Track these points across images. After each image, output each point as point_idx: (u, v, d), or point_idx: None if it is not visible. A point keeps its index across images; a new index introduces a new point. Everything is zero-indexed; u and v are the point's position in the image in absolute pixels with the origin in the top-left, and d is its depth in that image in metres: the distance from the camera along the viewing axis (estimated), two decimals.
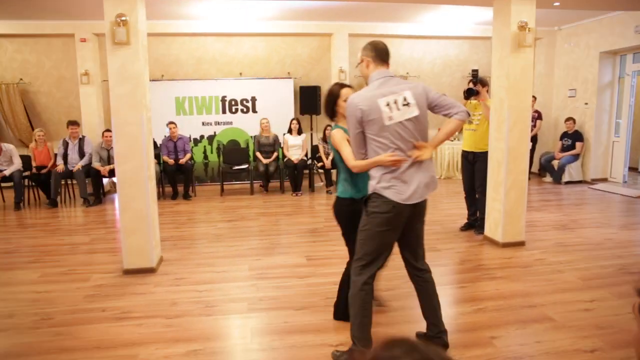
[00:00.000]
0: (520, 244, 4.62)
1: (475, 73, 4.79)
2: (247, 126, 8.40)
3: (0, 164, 6.73)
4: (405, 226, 2.48)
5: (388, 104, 2.34)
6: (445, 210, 6.21)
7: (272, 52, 8.81)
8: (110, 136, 6.59)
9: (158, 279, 3.87)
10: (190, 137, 8.03)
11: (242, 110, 8.45)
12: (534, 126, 8.04)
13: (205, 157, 8.44)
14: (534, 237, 4.87)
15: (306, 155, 7.72)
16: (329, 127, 7.65)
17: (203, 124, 8.37)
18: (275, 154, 7.61)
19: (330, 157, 7.50)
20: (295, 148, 7.57)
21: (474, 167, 5.01)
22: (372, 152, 2.40)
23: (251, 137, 8.29)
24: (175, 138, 7.35)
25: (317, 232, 5.22)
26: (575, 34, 8.37)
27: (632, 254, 4.35)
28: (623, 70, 7.93)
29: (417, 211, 2.46)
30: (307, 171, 7.75)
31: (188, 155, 7.34)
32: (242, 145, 8.30)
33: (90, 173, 6.90)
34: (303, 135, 7.70)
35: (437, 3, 6.40)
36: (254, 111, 8.44)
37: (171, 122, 7.36)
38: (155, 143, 6.80)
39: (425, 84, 2.55)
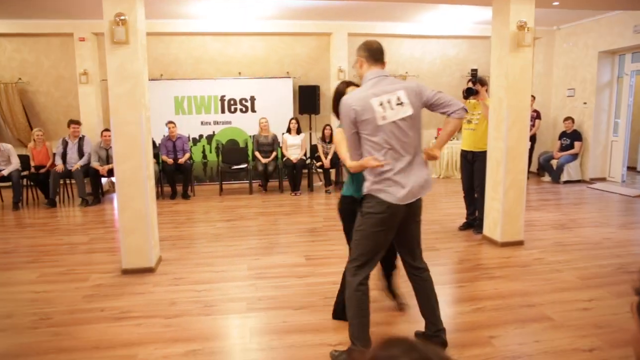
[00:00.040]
0: (519, 243, 4.62)
1: (474, 72, 4.80)
2: (246, 126, 8.40)
3: None
4: (400, 226, 2.48)
5: (381, 104, 2.34)
6: (444, 209, 6.22)
7: (271, 52, 8.81)
8: (109, 136, 6.60)
9: (157, 278, 3.86)
10: (189, 137, 8.02)
11: (241, 110, 8.45)
12: (532, 126, 8.05)
13: (204, 156, 8.44)
14: (532, 236, 4.87)
15: (305, 154, 7.72)
16: (327, 127, 7.65)
17: (202, 123, 8.36)
18: (274, 154, 7.60)
19: (329, 157, 7.50)
20: (294, 147, 7.57)
21: (473, 166, 5.01)
22: (366, 152, 2.40)
23: (250, 136, 8.29)
24: (174, 137, 7.34)
25: (316, 232, 5.22)
26: (574, 33, 8.38)
27: (631, 253, 4.35)
28: (622, 70, 7.93)
29: (411, 211, 2.45)
30: (306, 171, 7.75)
31: (187, 155, 7.34)
32: (241, 144, 8.30)
33: (89, 173, 6.89)
34: (302, 135, 7.70)
35: (436, 2, 6.40)
36: (253, 111, 8.44)
37: (170, 122, 7.35)
38: (154, 142, 6.80)
39: (420, 83, 2.54)
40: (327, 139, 7.60)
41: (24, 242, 5.04)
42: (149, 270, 3.99)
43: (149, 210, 4.02)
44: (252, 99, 8.44)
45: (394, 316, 3.13)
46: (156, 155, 7.17)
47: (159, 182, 7.15)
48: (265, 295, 3.49)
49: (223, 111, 8.39)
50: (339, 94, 2.76)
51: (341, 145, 2.59)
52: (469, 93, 4.74)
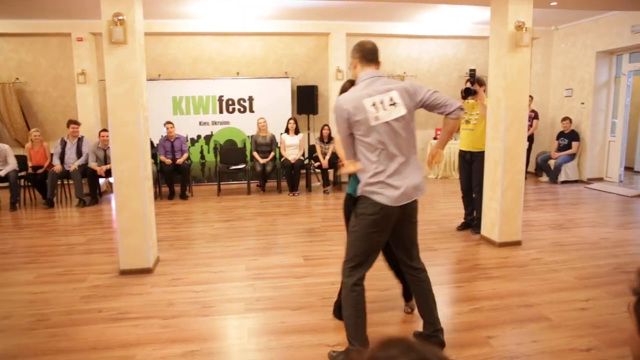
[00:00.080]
0: (517, 243, 4.63)
1: (472, 73, 4.80)
2: (244, 126, 8.39)
3: None
4: (396, 227, 2.48)
5: (374, 104, 2.34)
6: (442, 209, 6.22)
7: (269, 52, 8.81)
8: (107, 136, 6.57)
9: (155, 279, 3.86)
10: (187, 137, 8.01)
11: (239, 110, 8.44)
12: (530, 126, 8.07)
13: (202, 157, 8.42)
14: (530, 236, 4.88)
15: (303, 155, 7.72)
16: (325, 127, 7.65)
17: (200, 123, 8.35)
18: (272, 154, 7.60)
19: (327, 157, 7.50)
20: (292, 148, 7.56)
21: (471, 166, 5.02)
22: (359, 153, 2.41)
23: (248, 136, 8.28)
24: (173, 138, 7.33)
25: (314, 232, 5.22)
26: (572, 33, 8.40)
27: (628, 253, 4.36)
28: (619, 70, 7.95)
29: (406, 213, 2.45)
30: (304, 171, 7.75)
31: (185, 155, 7.33)
32: (239, 145, 8.29)
33: (87, 173, 6.88)
34: (300, 135, 7.70)
35: (435, 2, 6.40)
36: (251, 111, 8.43)
37: (168, 122, 7.35)
38: (152, 143, 6.79)
39: (415, 83, 2.54)
40: (326, 139, 7.60)
41: (22, 242, 5.03)
42: (147, 271, 3.98)
43: (146, 210, 4.01)
44: (251, 99, 8.43)
45: (392, 316, 3.13)
46: (154, 156, 7.16)
47: (157, 182, 7.15)
48: (263, 295, 3.49)
49: (221, 111, 8.38)
50: (345, 92, 2.76)
51: (340, 146, 2.60)
52: (467, 93, 4.75)
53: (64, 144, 7.03)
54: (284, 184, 7.70)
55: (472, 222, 5.13)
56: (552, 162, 8.18)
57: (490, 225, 4.73)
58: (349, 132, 2.39)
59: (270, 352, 2.71)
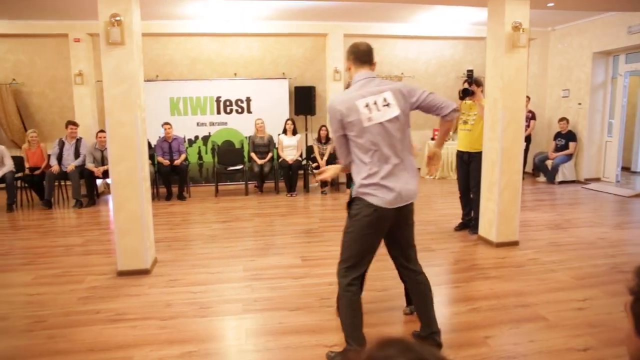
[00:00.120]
0: (514, 243, 4.64)
1: (470, 73, 4.81)
2: (241, 127, 8.39)
3: None
4: (392, 230, 2.48)
5: (367, 105, 2.34)
6: (440, 210, 6.23)
7: (266, 53, 8.81)
8: (104, 137, 6.57)
9: (152, 280, 3.85)
10: (184, 138, 8.01)
11: (236, 111, 8.44)
12: (527, 126, 8.08)
13: (200, 157, 8.42)
14: (527, 236, 4.89)
15: (301, 155, 7.72)
16: (323, 128, 7.66)
17: (198, 124, 8.35)
18: (270, 155, 7.60)
19: (325, 158, 7.50)
20: (290, 148, 7.56)
21: (469, 167, 5.02)
22: (353, 154, 2.41)
23: (246, 137, 8.28)
24: (170, 139, 7.33)
25: (312, 233, 5.23)
26: (568, 34, 8.42)
27: (625, 253, 4.38)
28: (616, 71, 7.98)
29: (402, 215, 2.44)
30: (301, 172, 7.75)
31: (183, 156, 7.32)
32: (237, 145, 8.29)
33: (84, 174, 6.86)
34: (298, 136, 7.70)
35: (432, 3, 6.42)
36: (249, 111, 8.43)
37: (166, 123, 7.34)
38: (149, 144, 6.78)
39: (410, 84, 2.54)
40: (323, 140, 7.61)
41: (19, 244, 5.01)
42: (145, 272, 3.97)
43: (144, 211, 4.01)
44: (248, 99, 8.43)
45: (390, 317, 3.14)
46: (151, 157, 7.15)
47: (154, 183, 7.13)
48: (261, 296, 3.49)
49: (219, 112, 8.38)
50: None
51: (335, 146, 2.61)
52: (465, 94, 4.76)
53: (62, 144, 7.02)
54: (281, 184, 7.70)
55: (469, 222, 5.14)
56: (549, 163, 8.21)
57: (487, 225, 4.74)
58: (342, 133, 2.40)
59: (268, 352, 2.71)
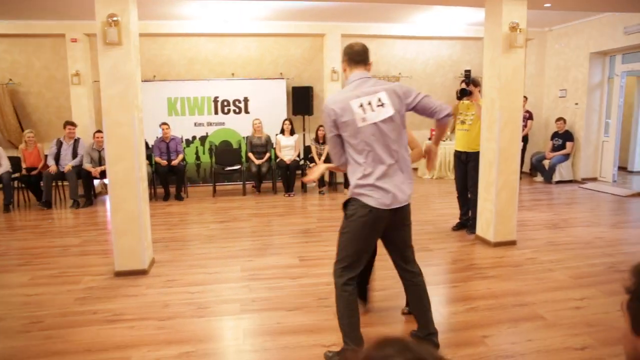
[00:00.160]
0: (512, 243, 4.65)
1: (467, 73, 4.83)
2: (239, 127, 8.38)
3: None
4: (388, 231, 2.48)
5: (361, 105, 2.34)
6: (438, 210, 6.24)
7: (264, 53, 8.81)
8: (102, 137, 6.56)
9: (150, 280, 3.85)
10: (182, 138, 7.99)
11: (234, 111, 8.43)
12: (525, 126, 8.10)
13: (198, 158, 8.41)
14: (525, 236, 4.90)
15: (298, 155, 7.72)
16: (321, 128, 7.66)
17: (195, 124, 8.33)
18: (267, 155, 7.60)
19: (323, 158, 7.50)
20: (288, 149, 7.56)
21: (467, 167, 5.03)
22: (348, 154, 2.42)
23: (243, 137, 8.27)
24: (168, 139, 7.32)
25: (310, 233, 5.22)
26: (565, 34, 8.45)
27: (622, 252, 4.39)
28: (612, 71, 8.01)
29: (398, 216, 2.44)
30: (299, 172, 7.75)
31: (180, 157, 7.31)
32: (235, 146, 8.28)
33: (81, 174, 6.85)
34: (295, 136, 7.70)
35: (430, 4, 6.43)
36: (247, 112, 8.42)
37: (164, 123, 7.33)
38: (147, 144, 6.77)
39: (405, 85, 2.54)
40: (321, 140, 7.61)
41: (15, 244, 4.99)
42: (142, 273, 3.97)
43: (141, 211, 4.00)
44: (246, 100, 8.43)
45: (388, 316, 3.14)
46: (149, 157, 7.13)
47: (152, 183, 7.12)
48: (258, 296, 3.48)
49: (216, 112, 8.37)
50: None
51: (329, 146, 2.61)
52: (462, 94, 4.77)
53: (59, 144, 7.00)
54: (279, 184, 7.69)
55: (467, 222, 5.15)
56: (546, 162, 8.23)
57: (485, 225, 4.75)
58: (336, 133, 2.40)
59: (266, 353, 2.71)
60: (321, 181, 7.62)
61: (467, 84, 4.78)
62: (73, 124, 7.05)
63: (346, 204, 2.49)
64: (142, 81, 4.37)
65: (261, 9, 6.90)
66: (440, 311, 3.13)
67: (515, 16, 4.42)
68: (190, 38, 8.43)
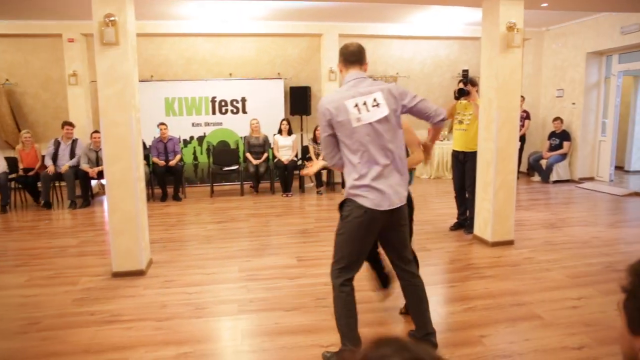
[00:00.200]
0: (509, 243, 4.66)
1: (465, 73, 4.83)
2: (237, 127, 8.37)
3: None
4: (385, 232, 2.48)
5: (356, 105, 2.34)
6: (435, 209, 6.25)
7: (262, 53, 8.80)
8: (99, 137, 6.52)
9: (147, 281, 3.84)
10: (179, 138, 7.98)
11: (232, 111, 8.42)
12: (522, 126, 8.12)
13: (195, 158, 8.39)
14: (522, 236, 4.91)
15: (296, 156, 7.72)
16: (319, 128, 7.65)
17: (193, 124, 8.32)
18: (265, 155, 7.59)
19: (321, 158, 7.49)
20: (286, 149, 7.56)
21: (465, 166, 5.04)
22: (343, 155, 2.42)
23: (241, 137, 8.27)
24: (166, 139, 7.30)
25: (308, 233, 5.22)
26: (562, 34, 8.47)
27: (618, 252, 4.41)
28: (609, 71, 8.03)
29: (394, 217, 2.43)
30: (297, 172, 7.75)
31: (178, 157, 7.30)
32: (232, 146, 8.27)
33: (79, 175, 6.83)
34: (293, 136, 7.70)
35: (427, 3, 6.43)
36: (244, 112, 8.41)
37: (162, 123, 7.32)
38: (144, 144, 6.75)
39: (402, 87, 2.54)
40: (319, 140, 7.60)
41: (12, 245, 4.98)
42: (140, 273, 3.96)
43: (139, 212, 3.99)
44: (243, 100, 8.42)
45: (386, 317, 3.14)
46: (147, 157, 7.12)
47: (149, 184, 7.11)
48: (256, 297, 3.48)
49: (214, 112, 8.36)
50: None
51: (322, 146, 2.61)
52: (460, 94, 4.77)
53: (57, 144, 6.98)
54: (277, 185, 7.69)
55: (465, 222, 5.15)
56: (543, 162, 8.25)
57: (483, 225, 4.76)
58: (330, 132, 2.40)
59: (264, 353, 2.70)
60: (319, 181, 7.62)
61: (465, 84, 4.78)
62: (71, 124, 7.04)
63: (342, 205, 2.49)
64: (140, 81, 4.36)
65: (259, 9, 6.89)
66: (438, 311, 3.14)
67: (512, 16, 4.43)
68: (188, 38, 8.42)
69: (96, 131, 6.94)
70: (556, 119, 8.25)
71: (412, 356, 0.70)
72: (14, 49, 8.07)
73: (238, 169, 7.69)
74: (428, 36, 8.79)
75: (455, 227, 5.22)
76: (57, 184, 7.17)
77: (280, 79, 8.57)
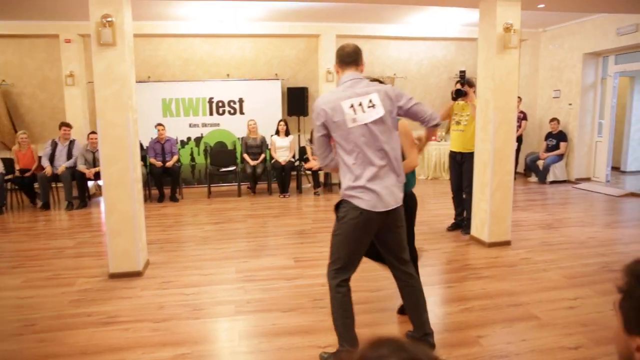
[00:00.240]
0: (506, 243, 4.67)
1: (462, 74, 4.83)
2: (234, 128, 8.37)
3: None
4: (382, 233, 2.48)
5: (352, 106, 2.34)
6: (433, 210, 6.25)
7: (259, 54, 8.80)
8: (96, 138, 6.51)
9: (144, 282, 3.83)
10: (177, 139, 7.97)
11: (229, 112, 8.41)
12: (519, 127, 8.14)
13: (192, 159, 8.38)
14: (519, 236, 4.92)
15: (294, 156, 7.72)
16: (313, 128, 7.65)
17: (190, 125, 8.31)
18: (262, 156, 7.59)
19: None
20: (283, 149, 7.56)
21: (462, 167, 5.04)
22: (338, 155, 2.42)
23: (238, 138, 8.26)
24: (163, 140, 7.29)
25: (305, 234, 5.22)
26: (559, 35, 8.50)
27: (615, 252, 4.42)
28: (605, 72, 8.07)
29: (391, 219, 2.43)
30: (294, 173, 7.75)
31: (175, 158, 7.29)
32: (230, 147, 8.26)
33: (75, 176, 6.81)
34: (290, 137, 7.70)
35: (424, 4, 6.44)
36: (241, 113, 8.41)
37: (159, 124, 7.31)
38: (141, 145, 6.74)
39: (398, 89, 2.54)
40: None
41: (8, 246, 4.96)
42: (137, 274, 3.95)
43: (136, 213, 3.98)
44: (241, 100, 8.41)
45: (384, 317, 3.14)
46: (144, 158, 7.11)
47: (146, 185, 7.09)
48: (253, 298, 3.48)
49: (211, 113, 8.35)
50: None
51: (316, 145, 2.61)
52: (457, 94, 4.78)
53: (54, 145, 6.95)
54: (274, 185, 7.69)
55: (462, 222, 5.16)
56: (540, 163, 8.27)
57: (480, 225, 4.77)
58: (324, 133, 2.41)
59: (261, 354, 2.70)
60: (316, 182, 7.62)
61: (462, 85, 4.79)
62: (68, 125, 7.02)
63: (338, 206, 2.48)
64: (137, 82, 4.36)
65: (256, 9, 6.89)
66: (435, 311, 3.14)
67: (509, 17, 4.44)
68: (185, 39, 8.41)
69: (93, 132, 6.91)
70: (553, 119, 8.28)
71: (409, 356, 0.70)
72: (10, 50, 8.05)
73: (235, 170, 7.68)
74: (425, 37, 8.80)
75: (453, 227, 5.23)
76: (54, 185, 7.14)
77: (278, 79, 8.57)
